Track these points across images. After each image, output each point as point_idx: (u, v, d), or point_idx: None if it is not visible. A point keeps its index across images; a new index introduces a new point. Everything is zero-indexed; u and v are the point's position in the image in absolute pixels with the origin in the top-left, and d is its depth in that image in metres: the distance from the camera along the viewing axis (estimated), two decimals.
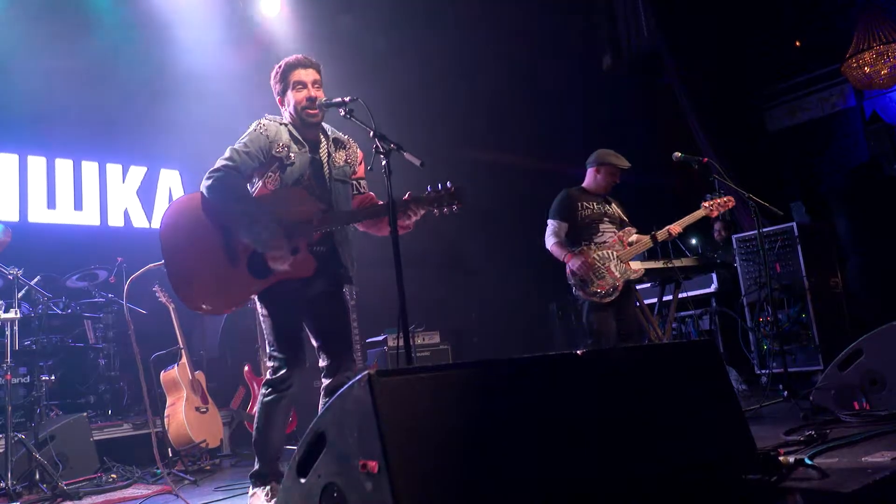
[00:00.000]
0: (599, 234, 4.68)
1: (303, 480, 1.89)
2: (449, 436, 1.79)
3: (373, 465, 1.66)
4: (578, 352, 2.18)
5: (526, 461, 1.88)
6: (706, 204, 4.85)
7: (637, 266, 4.69)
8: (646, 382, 2.36)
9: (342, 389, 1.81)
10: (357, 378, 1.74)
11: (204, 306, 2.93)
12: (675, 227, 4.74)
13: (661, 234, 4.73)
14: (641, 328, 4.88)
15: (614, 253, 4.62)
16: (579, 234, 4.69)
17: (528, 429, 1.95)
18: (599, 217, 4.71)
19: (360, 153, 3.31)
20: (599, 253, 4.59)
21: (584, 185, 4.88)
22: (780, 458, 2.52)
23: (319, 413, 2.91)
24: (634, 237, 4.74)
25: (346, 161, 3.23)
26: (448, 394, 1.84)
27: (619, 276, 4.55)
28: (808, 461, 2.62)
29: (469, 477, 1.76)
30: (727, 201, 4.85)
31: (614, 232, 4.70)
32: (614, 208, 4.82)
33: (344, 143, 3.28)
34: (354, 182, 3.28)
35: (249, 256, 2.92)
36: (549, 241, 4.71)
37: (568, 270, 4.59)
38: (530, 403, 1.99)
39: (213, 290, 2.90)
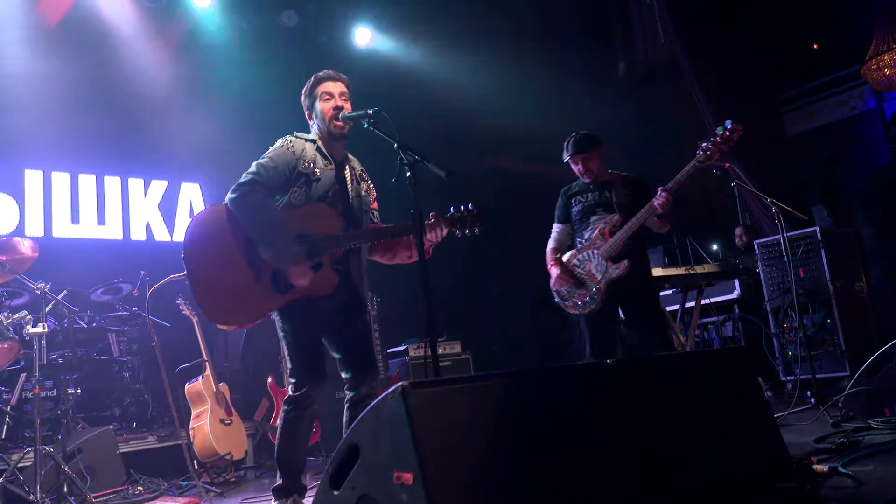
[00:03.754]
0: (589, 228, 4.12)
1: (336, 493, 1.89)
2: (483, 446, 1.79)
3: (408, 476, 1.66)
4: (609, 361, 2.17)
5: (560, 471, 1.87)
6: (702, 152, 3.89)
7: (622, 262, 3.97)
8: (678, 390, 2.35)
9: (375, 401, 1.81)
10: (391, 389, 1.75)
11: (225, 320, 2.95)
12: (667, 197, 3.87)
13: (648, 213, 3.93)
14: (664, 337, 4.14)
15: (595, 251, 4.04)
16: (575, 233, 4.22)
17: (560, 438, 1.94)
18: (591, 209, 4.15)
19: (374, 192, 3.37)
20: (580, 256, 4.09)
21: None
22: (815, 467, 2.49)
23: (352, 425, 2.93)
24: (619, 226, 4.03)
25: (366, 191, 3.29)
26: (482, 404, 1.83)
27: (599, 278, 4.00)
28: (842, 469, 2.59)
29: (504, 487, 1.75)
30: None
31: (605, 223, 4.07)
32: (611, 195, 4.13)
33: (366, 178, 3.35)
34: (371, 212, 3.32)
35: (273, 271, 2.93)
36: (548, 246, 4.30)
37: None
38: (562, 413, 1.98)
39: (235, 303, 2.91)
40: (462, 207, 2.99)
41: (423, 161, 2.77)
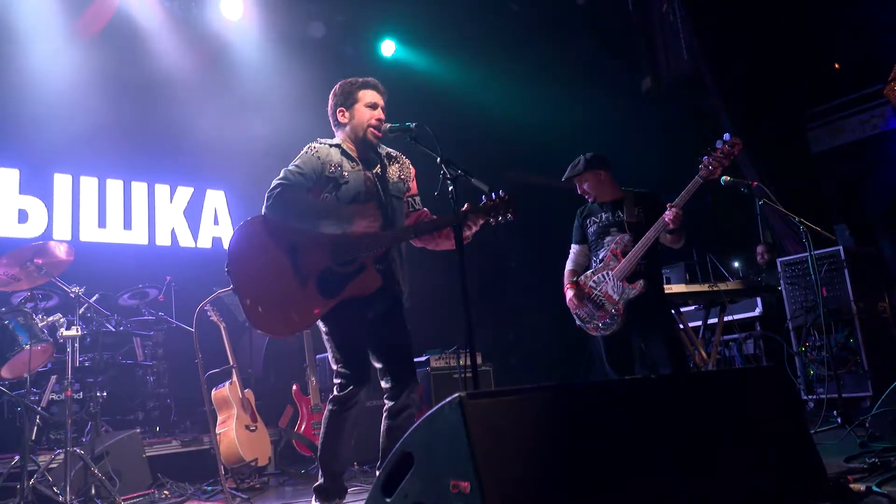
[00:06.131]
0: (604, 248, 4.12)
1: (388, 500, 1.93)
2: (535, 456, 1.82)
3: (465, 485, 1.70)
4: (652, 377, 2.20)
5: (608, 482, 1.91)
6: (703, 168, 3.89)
7: (638, 281, 3.97)
8: (716, 407, 2.37)
9: (431, 411, 1.85)
10: (447, 400, 1.78)
11: (277, 331, 2.99)
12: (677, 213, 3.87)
13: (656, 230, 3.93)
14: (676, 354, 4.02)
15: (609, 272, 4.04)
16: (591, 253, 4.23)
17: (608, 450, 1.97)
18: (605, 229, 4.15)
19: (412, 169, 3.36)
20: (596, 277, 4.09)
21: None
22: (852, 486, 2.51)
23: (393, 434, 2.98)
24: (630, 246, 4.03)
25: (399, 177, 3.27)
26: (535, 415, 1.87)
27: (617, 299, 4.00)
28: (876, 489, 2.60)
29: (558, 496, 1.79)
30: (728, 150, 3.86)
31: (616, 243, 4.07)
32: (623, 214, 4.12)
33: (396, 157, 3.33)
34: (409, 199, 3.32)
35: (318, 276, 2.98)
36: (565, 268, 4.32)
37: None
38: (610, 425, 2.02)
39: (284, 312, 2.95)
40: (493, 195, 3.00)
41: (466, 175, 2.81)
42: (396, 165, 3.29)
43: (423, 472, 1.84)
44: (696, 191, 3.91)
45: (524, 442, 1.83)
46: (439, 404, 1.81)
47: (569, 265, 4.32)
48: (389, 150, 3.34)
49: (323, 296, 2.97)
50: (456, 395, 1.77)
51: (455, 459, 1.73)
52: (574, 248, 4.36)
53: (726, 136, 3.89)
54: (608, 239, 4.12)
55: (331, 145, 3.20)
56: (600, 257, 4.14)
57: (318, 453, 3.09)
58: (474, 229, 3.05)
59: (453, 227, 2.84)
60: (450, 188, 2.80)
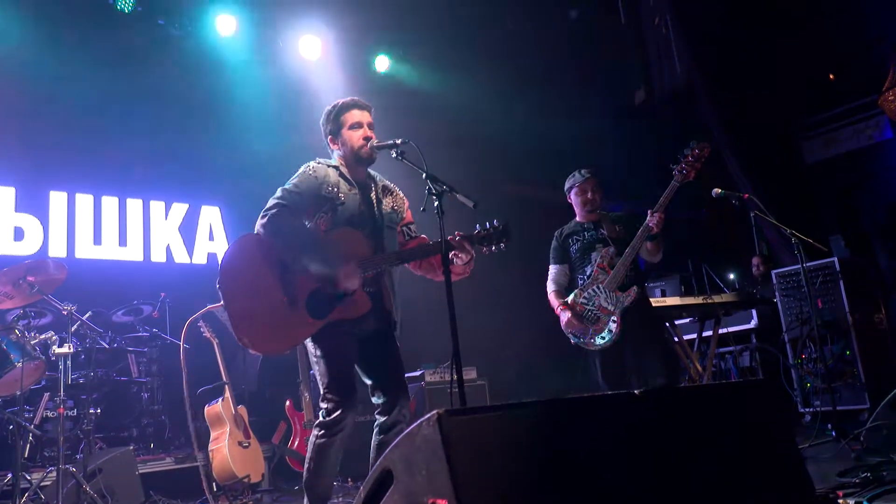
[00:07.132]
0: (590, 265, 4.19)
1: None
2: (517, 474, 1.81)
3: (442, 503, 1.68)
4: (637, 392, 2.19)
5: (593, 498, 1.89)
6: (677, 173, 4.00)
7: (631, 289, 4.05)
8: (704, 422, 2.35)
9: (409, 428, 1.83)
10: (426, 417, 1.77)
11: (264, 348, 2.98)
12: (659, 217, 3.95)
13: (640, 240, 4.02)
14: (669, 366, 4.22)
15: (600, 285, 4.10)
16: (575, 272, 4.30)
17: (593, 466, 1.96)
18: (591, 246, 4.23)
19: (406, 200, 3.39)
20: (587, 293, 4.14)
21: (576, 217, 4.45)
22: (840, 501, 2.49)
23: (382, 450, 2.96)
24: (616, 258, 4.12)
25: (392, 208, 3.29)
26: (516, 432, 1.86)
27: (612, 309, 4.05)
28: None
29: None
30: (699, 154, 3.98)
31: (601, 256, 4.16)
32: (607, 230, 4.24)
33: (391, 189, 3.36)
34: (405, 228, 3.33)
35: (308, 296, 2.97)
36: (548, 289, 4.34)
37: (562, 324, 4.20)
38: (596, 441, 2.00)
39: (272, 330, 2.94)
40: (487, 224, 2.99)
41: (452, 191, 2.82)
42: (390, 197, 3.32)
43: (403, 490, 1.82)
44: (673, 195, 4.00)
45: (506, 459, 1.82)
46: (417, 421, 1.80)
47: (552, 286, 4.34)
48: (385, 182, 3.36)
49: (311, 316, 2.96)
50: (434, 412, 1.76)
51: (434, 477, 1.72)
52: (554, 268, 4.39)
53: (692, 143, 4.01)
54: (594, 255, 4.20)
55: (329, 165, 3.22)
56: (587, 273, 4.19)
57: (304, 479, 3.04)
58: (468, 258, 3.02)
59: (442, 254, 2.83)
60: (435, 203, 2.80)
